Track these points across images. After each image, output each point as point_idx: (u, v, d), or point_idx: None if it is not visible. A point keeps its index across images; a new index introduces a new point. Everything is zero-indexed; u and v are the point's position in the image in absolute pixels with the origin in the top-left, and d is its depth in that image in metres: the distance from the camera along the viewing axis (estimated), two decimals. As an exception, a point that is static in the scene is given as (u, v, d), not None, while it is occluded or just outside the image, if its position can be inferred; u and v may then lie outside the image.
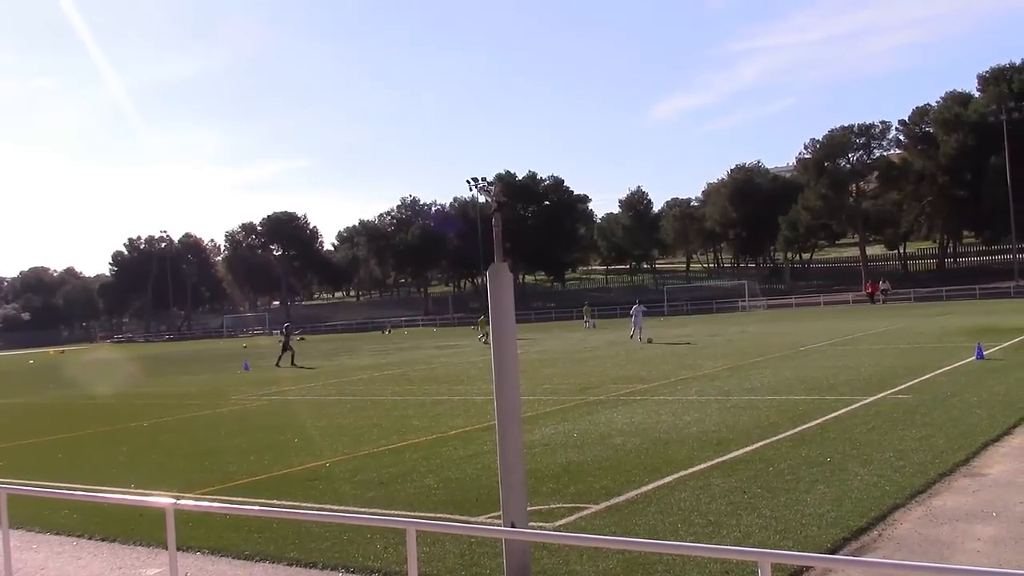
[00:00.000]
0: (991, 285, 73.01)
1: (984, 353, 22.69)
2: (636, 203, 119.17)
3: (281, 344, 41.65)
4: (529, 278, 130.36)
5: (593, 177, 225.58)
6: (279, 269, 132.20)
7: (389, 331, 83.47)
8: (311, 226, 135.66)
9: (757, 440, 13.27)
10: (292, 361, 40.01)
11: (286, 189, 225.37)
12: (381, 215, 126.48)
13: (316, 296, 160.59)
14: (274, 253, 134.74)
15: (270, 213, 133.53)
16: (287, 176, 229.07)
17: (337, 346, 59.70)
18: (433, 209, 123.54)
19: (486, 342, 61.55)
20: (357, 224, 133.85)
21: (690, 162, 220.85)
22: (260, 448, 16.11)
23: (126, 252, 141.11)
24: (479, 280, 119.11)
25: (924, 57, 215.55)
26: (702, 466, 11.72)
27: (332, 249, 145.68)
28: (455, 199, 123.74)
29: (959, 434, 12.68)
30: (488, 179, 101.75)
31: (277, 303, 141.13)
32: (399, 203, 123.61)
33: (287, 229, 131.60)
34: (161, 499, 7.43)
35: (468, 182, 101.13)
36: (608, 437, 14.54)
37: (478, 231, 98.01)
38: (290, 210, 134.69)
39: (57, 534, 10.63)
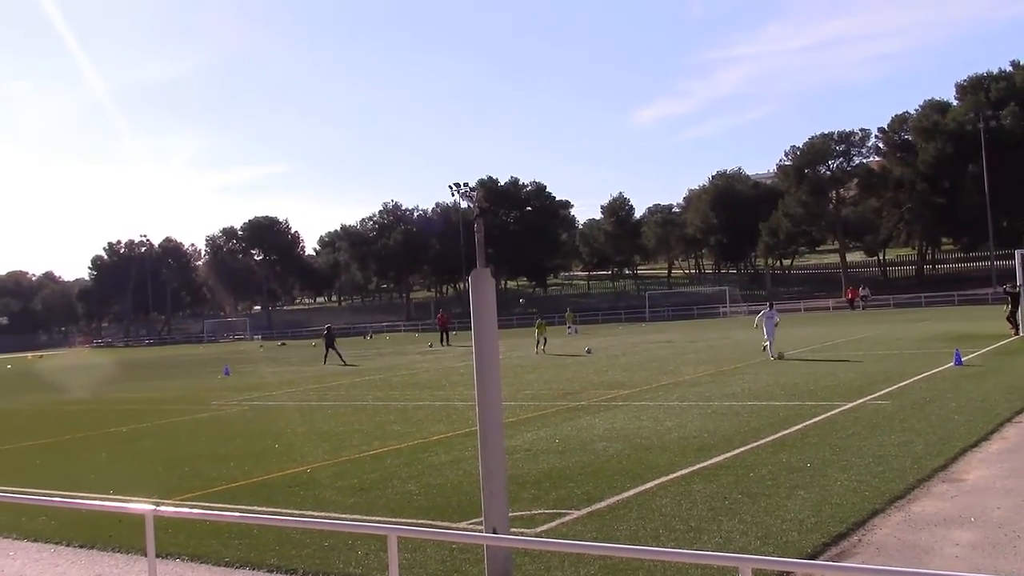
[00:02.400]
0: (969, 292, 73.50)
1: (962, 359, 22.83)
2: (618, 209, 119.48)
3: (326, 345, 43.54)
4: (512, 283, 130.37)
5: (575, 183, 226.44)
6: (260, 274, 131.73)
7: (370, 337, 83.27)
8: (292, 231, 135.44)
9: (738, 446, 13.31)
10: (341, 359, 42.14)
11: (267, 193, 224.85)
12: (363, 220, 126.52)
13: (297, 301, 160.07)
14: (255, 258, 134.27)
15: (251, 218, 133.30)
16: (268, 180, 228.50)
17: (318, 352, 59.44)
18: (415, 214, 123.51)
19: (576, 332, 60.28)
20: (339, 229, 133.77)
21: (671, 169, 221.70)
22: (240, 454, 16.03)
23: (106, 256, 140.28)
24: (461, 285, 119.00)
25: (902, 65, 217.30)
26: (683, 472, 11.74)
27: (314, 254, 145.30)
28: (437, 204, 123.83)
29: (938, 440, 12.76)
30: (470, 184, 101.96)
31: (258, 308, 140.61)
32: (381, 208, 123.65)
33: (268, 234, 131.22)
34: (140, 505, 7.38)
35: (450, 187, 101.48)
36: (590, 443, 14.55)
37: (460, 236, 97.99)
38: (271, 215, 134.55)
39: (35, 541, 10.54)
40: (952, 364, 22.44)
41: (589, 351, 34.17)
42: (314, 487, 12.50)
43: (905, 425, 14.16)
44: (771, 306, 29.82)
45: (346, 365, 40.48)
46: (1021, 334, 31.16)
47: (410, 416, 19.91)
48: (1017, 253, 33.82)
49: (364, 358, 46.78)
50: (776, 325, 28.86)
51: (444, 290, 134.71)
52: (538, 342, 40.52)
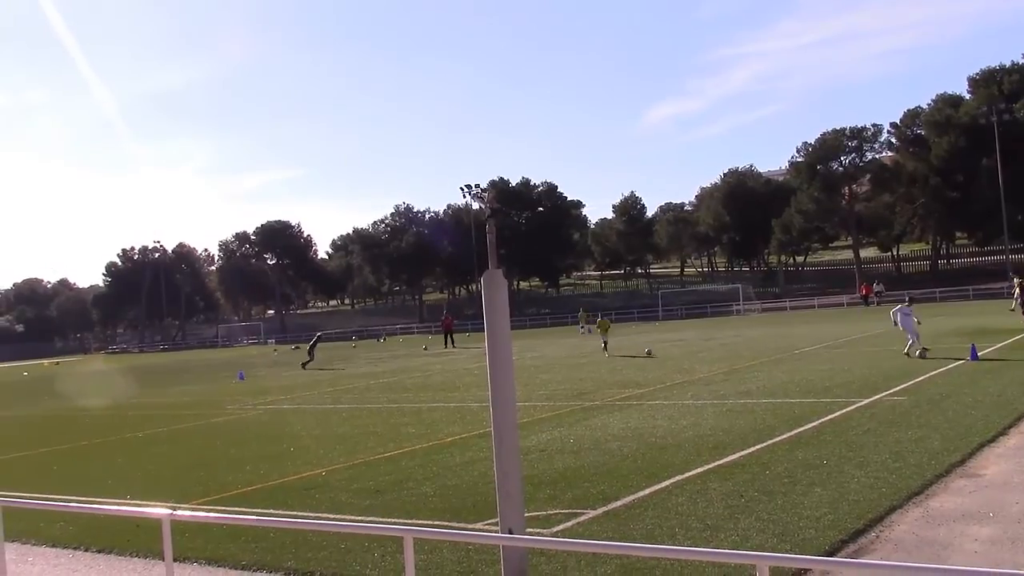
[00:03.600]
0: (984, 286, 73.18)
1: (979, 354, 22.73)
2: (629, 208, 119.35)
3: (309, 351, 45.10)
4: (524, 284, 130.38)
5: (587, 183, 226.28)
6: (273, 278, 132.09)
7: (384, 339, 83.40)
8: (305, 235, 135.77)
9: (753, 444, 13.27)
10: (304, 365, 43.25)
11: (279, 198, 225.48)
12: (375, 223, 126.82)
13: (311, 305, 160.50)
14: (268, 262, 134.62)
15: (263, 222, 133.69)
16: (280, 185, 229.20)
17: (332, 354, 59.64)
18: (427, 216, 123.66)
19: (589, 332, 61.00)
20: (351, 232, 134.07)
21: (683, 167, 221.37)
22: (255, 458, 16.07)
23: (119, 262, 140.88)
24: (474, 287, 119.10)
25: (914, 60, 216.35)
26: (699, 470, 11.72)
27: (326, 258, 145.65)
28: (449, 206, 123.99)
29: (955, 435, 12.70)
30: (482, 186, 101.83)
31: (272, 312, 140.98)
32: (392, 211, 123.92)
33: (281, 238, 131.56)
34: (157, 510, 7.41)
35: (462, 189, 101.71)
36: (604, 442, 14.54)
37: (472, 238, 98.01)
38: (283, 219, 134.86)
39: (53, 546, 10.59)
40: (968, 359, 22.34)
41: (650, 352, 33.76)
42: (329, 490, 12.52)
43: (922, 421, 14.10)
44: (910, 302, 26.71)
45: (304, 367, 42.79)
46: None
47: (424, 418, 19.93)
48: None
49: (379, 360, 46.85)
50: (918, 323, 25.83)
51: (456, 292, 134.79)
52: (605, 343, 37.77)
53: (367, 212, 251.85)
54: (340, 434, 18.42)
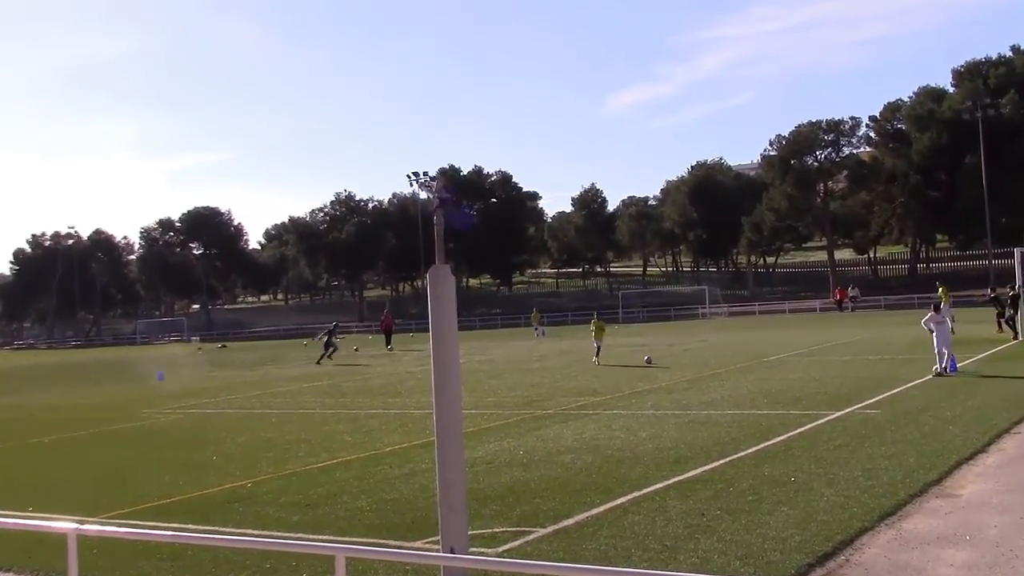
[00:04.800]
0: (965, 293, 74.14)
1: (957, 365, 23.10)
2: (589, 201, 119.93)
3: (324, 343, 45.00)
4: (474, 281, 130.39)
5: (544, 173, 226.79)
6: (199, 270, 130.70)
7: (320, 339, 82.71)
8: (235, 223, 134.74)
9: (717, 458, 13.37)
10: (324, 358, 43.47)
11: (208, 183, 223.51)
12: (313, 211, 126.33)
13: (240, 299, 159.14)
14: (194, 252, 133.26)
15: (190, 208, 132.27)
16: (209, 169, 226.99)
17: (263, 355, 59.15)
18: (370, 206, 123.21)
19: (543, 334, 61.34)
20: (286, 221, 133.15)
21: (647, 158, 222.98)
22: (174, 467, 15.87)
23: (29, 249, 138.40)
24: (419, 283, 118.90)
25: (895, 50, 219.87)
26: (658, 486, 11.77)
27: (258, 248, 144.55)
28: (394, 195, 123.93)
29: (931, 452, 12.89)
30: (430, 174, 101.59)
31: (196, 307, 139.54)
32: (333, 199, 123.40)
33: (208, 226, 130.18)
34: (62, 524, 7.26)
35: (408, 177, 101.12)
36: (557, 454, 14.55)
37: (419, 230, 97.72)
38: (212, 205, 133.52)
39: (-56, 563, 10.36)
40: (948, 370, 22.68)
41: (649, 360, 32.35)
42: (255, 503, 12.40)
43: (896, 436, 14.30)
44: (937, 309, 24.35)
45: (320, 363, 42.73)
46: (1021, 338, 31.66)
47: (362, 425, 19.83)
48: (1017, 251, 34.30)
49: (314, 362, 46.56)
50: (953, 332, 23.99)
51: (400, 288, 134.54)
52: (598, 348, 33.93)
53: (305, 200, 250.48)
54: (268, 441, 18.26)
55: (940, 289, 49.23)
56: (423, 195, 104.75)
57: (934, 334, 23.04)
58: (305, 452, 16.57)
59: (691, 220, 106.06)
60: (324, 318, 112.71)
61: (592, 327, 35.31)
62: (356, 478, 13.67)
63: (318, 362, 43.34)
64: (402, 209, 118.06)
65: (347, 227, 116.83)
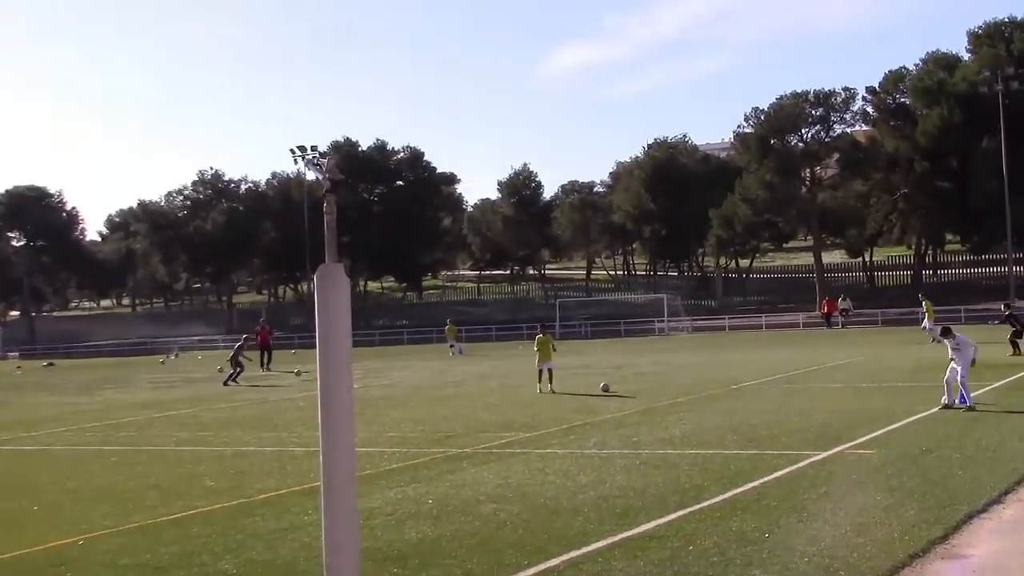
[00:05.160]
0: (980, 306, 75.54)
1: (970, 396, 23.48)
2: (520, 187, 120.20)
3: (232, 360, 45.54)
4: (374, 285, 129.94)
5: (464, 150, 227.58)
6: (20, 266, 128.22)
7: (176, 355, 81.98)
8: (68, 207, 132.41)
9: (674, 509, 13.46)
10: (231, 379, 44.08)
11: (32, 155, 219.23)
12: (169, 194, 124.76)
13: (75, 305, 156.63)
14: (13, 243, 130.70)
15: (8, 187, 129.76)
16: (34, 140, 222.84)
17: (102, 375, 58.24)
18: (243, 188, 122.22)
19: (459, 352, 61.24)
20: (135, 207, 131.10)
21: (594, 134, 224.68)
22: (-16, 518, 15.59)
23: None
24: (305, 287, 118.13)
25: (900, 8, 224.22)
26: (600, 544, 11.81)
27: (99, 240, 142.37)
28: (274, 175, 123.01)
29: (935, 503, 13.11)
30: (320, 149, 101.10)
31: (16, 314, 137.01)
32: (196, 178, 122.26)
33: (33, 210, 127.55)
34: None
35: (292, 152, 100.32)
36: (475, 504, 14.55)
37: (305, 219, 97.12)
38: (37, 184, 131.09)
39: None
40: (957, 401, 23.10)
41: (606, 387, 31.66)
42: (89, 566, 12.21)
43: (894, 482, 14.54)
44: (948, 333, 24.16)
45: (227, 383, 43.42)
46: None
47: (228, 466, 19.64)
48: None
49: (169, 386, 45.94)
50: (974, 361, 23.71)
51: (281, 293, 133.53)
52: (540, 373, 33.02)
53: (159, 179, 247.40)
54: (107, 487, 18.00)
55: (924, 303, 51.13)
56: (311, 176, 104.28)
57: (952, 361, 23.07)
58: (154, 500, 16.36)
59: (647, 212, 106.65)
60: (182, 329, 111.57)
61: (536, 345, 33.87)
62: (219, 533, 13.53)
63: (225, 383, 43.66)
64: (284, 193, 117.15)
65: (213, 215, 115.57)
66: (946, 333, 23.94)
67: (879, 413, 22.38)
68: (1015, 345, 35.63)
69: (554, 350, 33.76)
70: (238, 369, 44.78)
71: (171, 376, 53.54)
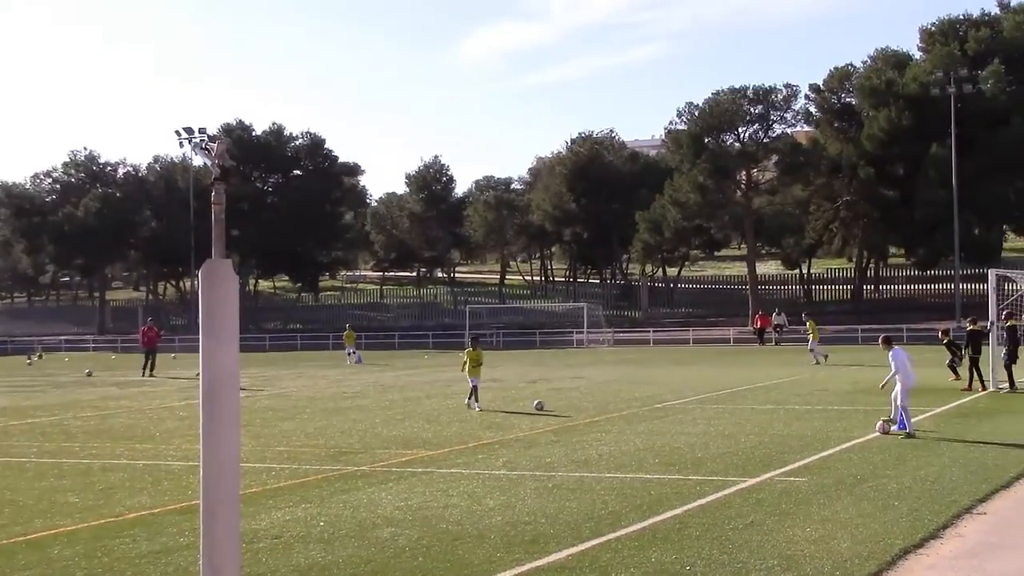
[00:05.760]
0: (924, 326, 76.56)
1: (910, 422, 23.86)
2: (431, 181, 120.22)
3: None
4: (265, 284, 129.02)
5: (369, 139, 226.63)
6: None
7: (40, 356, 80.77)
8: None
9: (588, 537, 13.54)
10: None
11: None
12: (36, 177, 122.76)
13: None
14: None
15: None
16: None
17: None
18: (120, 172, 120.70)
19: (359, 361, 61.05)
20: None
21: (512, 126, 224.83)
22: None
23: None
24: (187, 284, 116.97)
25: (849, 0, 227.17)
26: (507, 574, 11.87)
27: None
28: (156, 159, 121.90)
29: (870, 535, 13.32)
30: (209, 132, 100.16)
31: None
32: (67, 159, 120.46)
33: None
34: None
35: (178, 134, 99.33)
36: (372, 528, 14.53)
37: (190, 210, 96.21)
38: None
39: None
40: (895, 428, 23.47)
41: (540, 406, 31.06)
42: (-64, 588, 12.03)
43: (826, 513, 14.75)
44: (888, 343, 24.81)
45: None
46: (991, 387, 33.03)
47: (96, 481, 19.39)
48: (991, 273, 35.68)
49: (29, 389, 45.25)
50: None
51: (161, 290, 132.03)
52: (475, 390, 32.04)
53: (23, 161, 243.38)
54: (-41, 501, 17.70)
55: (808, 323, 52.82)
56: (198, 161, 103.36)
57: (897, 378, 23.54)
58: (9, 519, 16.10)
59: (569, 213, 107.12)
60: (48, 328, 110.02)
61: (464, 357, 33.48)
62: (83, 556, 13.36)
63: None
64: (167, 180, 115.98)
65: (86, 201, 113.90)
66: (887, 343, 24.36)
67: (812, 438, 22.70)
68: (954, 370, 36.03)
69: (480, 364, 33.09)
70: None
71: (33, 379, 52.70)
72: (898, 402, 23.18)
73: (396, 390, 40.32)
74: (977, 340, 34.10)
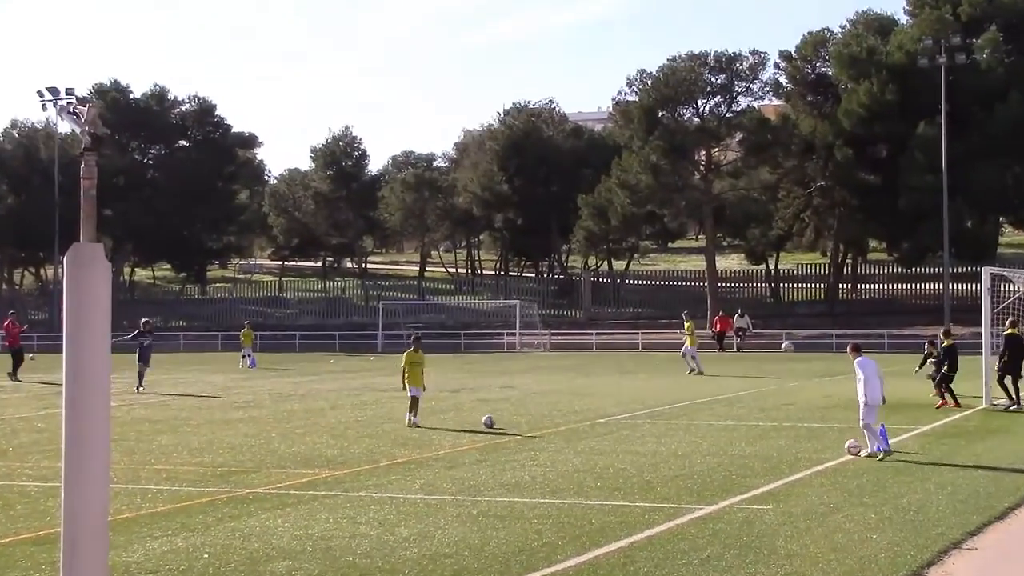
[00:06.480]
0: (907, 331, 77.29)
1: (890, 442, 24.04)
2: (341, 156, 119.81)
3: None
4: (143, 273, 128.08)
5: (268, 107, 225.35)
6: None
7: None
8: None
9: (519, 573, 13.54)
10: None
11: None
12: None
13: None
14: None
15: None
16: None
17: None
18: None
19: (252, 364, 60.63)
20: None
21: (435, 95, 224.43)
22: None
23: None
24: (50, 271, 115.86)
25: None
26: (424, 616, 11.85)
27: None
28: (14, 124, 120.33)
29: (844, 573, 13.42)
30: (78, 94, 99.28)
31: None
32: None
33: None
34: None
35: (40, 95, 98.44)
36: (265, 561, 14.48)
37: (55, 184, 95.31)
38: None
39: None
40: (874, 448, 23.65)
41: (490, 422, 30.15)
42: None
43: (793, 547, 14.82)
44: (857, 350, 25.06)
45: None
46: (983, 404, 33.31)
47: (-62, 503, 19.19)
48: (985, 272, 35.94)
49: None
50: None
51: (17, 279, 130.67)
52: (415, 401, 31.25)
53: None
54: None
55: (686, 324, 53.25)
56: (64, 128, 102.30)
57: (862, 393, 23.63)
58: None
59: (500, 196, 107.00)
60: None
61: (404, 363, 32.09)
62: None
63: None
64: (27, 149, 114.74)
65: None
66: (856, 349, 24.42)
67: (779, 460, 22.85)
68: (940, 392, 35.23)
69: (422, 370, 32.06)
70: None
71: None
72: (860, 421, 23.35)
73: (296, 399, 40.17)
74: (954, 356, 33.88)
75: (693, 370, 51.46)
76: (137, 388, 44.02)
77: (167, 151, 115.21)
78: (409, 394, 31.13)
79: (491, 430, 28.86)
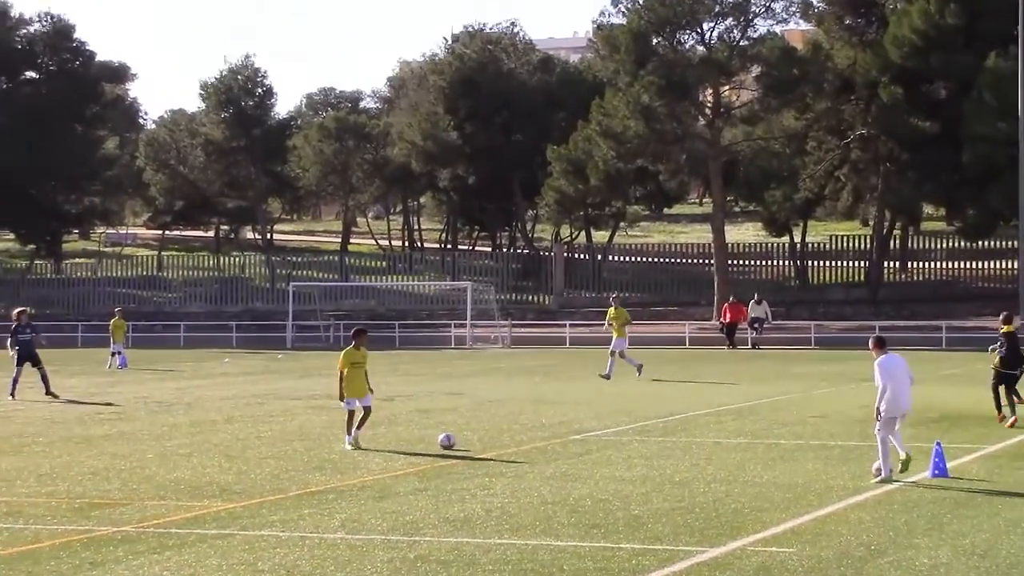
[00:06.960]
0: (970, 323, 77.43)
1: (947, 464, 24.07)
2: (239, 94, 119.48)
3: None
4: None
5: (145, 31, 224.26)
6: None
7: None
8: None
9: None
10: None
11: None
12: None
13: None
14: None
15: None
16: None
17: None
18: None
19: (122, 364, 60.66)
20: None
21: (364, 18, 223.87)
22: None
23: None
24: None
25: None
26: None
27: None
28: None
29: (888, 635, 13.45)
30: None
31: None
32: None
33: None
34: None
35: None
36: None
37: None
38: None
39: None
40: (926, 474, 23.66)
41: (449, 442, 29.34)
42: None
43: (824, 601, 14.85)
44: (882, 345, 25.08)
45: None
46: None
47: None
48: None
49: None
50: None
51: None
52: (352, 415, 30.43)
53: None
54: None
55: (612, 308, 52.83)
56: None
57: (881, 393, 23.91)
58: None
59: (447, 147, 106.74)
60: None
61: (342, 364, 31.03)
62: None
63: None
64: None
65: None
66: (879, 345, 24.23)
67: (805, 488, 22.87)
68: (998, 404, 34.44)
69: (363, 369, 31.02)
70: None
71: None
72: (876, 431, 23.48)
73: (180, 409, 40.08)
74: (1015, 347, 33.34)
75: (636, 368, 51.03)
76: (11, 394, 44.58)
77: (9, 85, 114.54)
78: (345, 407, 30.34)
79: (436, 452, 28.80)
